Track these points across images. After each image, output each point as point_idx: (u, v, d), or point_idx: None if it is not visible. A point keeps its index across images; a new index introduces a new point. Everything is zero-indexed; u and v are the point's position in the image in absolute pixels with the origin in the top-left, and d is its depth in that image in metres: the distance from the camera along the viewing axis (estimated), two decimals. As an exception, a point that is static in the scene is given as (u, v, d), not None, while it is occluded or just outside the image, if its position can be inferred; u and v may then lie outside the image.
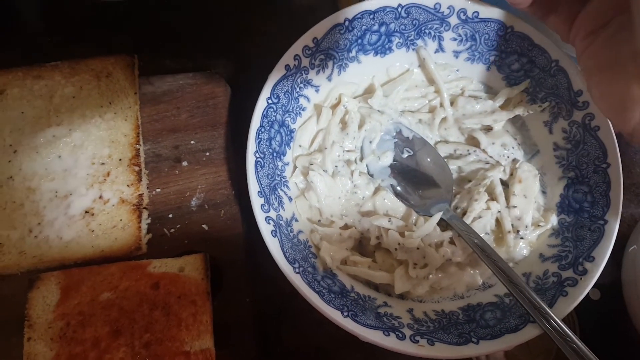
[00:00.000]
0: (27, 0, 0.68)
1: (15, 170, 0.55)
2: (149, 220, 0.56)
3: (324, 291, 0.49)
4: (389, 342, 0.47)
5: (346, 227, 0.56)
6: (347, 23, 0.56)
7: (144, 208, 0.56)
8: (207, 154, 0.59)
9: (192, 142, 0.60)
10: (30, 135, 0.56)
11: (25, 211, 0.54)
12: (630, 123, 0.40)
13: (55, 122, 0.57)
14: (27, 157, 0.56)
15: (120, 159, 0.56)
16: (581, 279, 0.50)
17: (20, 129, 0.57)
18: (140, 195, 0.55)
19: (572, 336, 0.45)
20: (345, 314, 0.48)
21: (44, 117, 0.57)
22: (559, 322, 0.46)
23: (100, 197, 0.55)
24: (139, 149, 0.57)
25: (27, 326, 0.50)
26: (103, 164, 0.56)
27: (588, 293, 0.49)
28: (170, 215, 0.57)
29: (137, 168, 0.56)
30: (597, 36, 0.42)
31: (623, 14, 0.39)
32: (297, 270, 0.49)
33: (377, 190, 0.57)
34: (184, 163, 0.59)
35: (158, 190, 0.57)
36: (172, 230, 0.56)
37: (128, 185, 0.55)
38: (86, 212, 0.54)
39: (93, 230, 0.54)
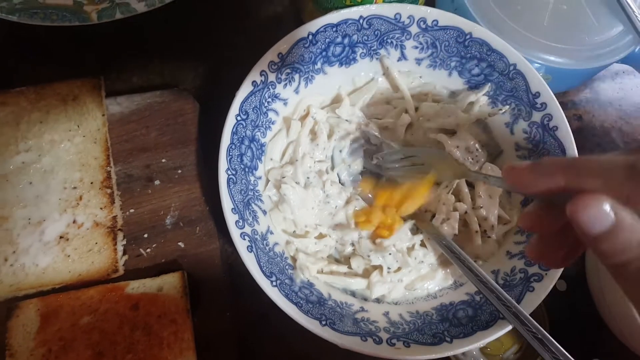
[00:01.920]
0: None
1: (-15, 200, 0.55)
2: (124, 242, 0.56)
3: (301, 302, 0.50)
4: (367, 347, 0.48)
5: (321, 236, 0.58)
6: (310, 37, 0.57)
7: (119, 230, 0.56)
8: (179, 171, 0.60)
9: (163, 160, 0.60)
10: (-2, 163, 0.56)
11: (-2, 240, 0.54)
12: None
13: (23, 149, 0.57)
14: (-3, 185, 0.55)
15: (91, 182, 0.56)
16: (546, 274, 0.52)
17: (-12, 157, 0.56)
18: (114, 218, 0.56)
19: (541, 330, 0.47)
20: (324, 322, 0.49)
21: (12, 144, 0.57)
22: (527, 316, 0.48)
23: (74, 221, 0.55)
24: (109, 170, 0.57)
25: (8, 355, 0.50)
26: (75, 188, 0.56)
27: (555, 285, 0.51)
28: (146, 235, 0.57)
29: (109, 190, 0.57)
30: None
31: None
32: (274, 283, 0.50)
33: (349, 199, 0.58)
34: (156, 182, 0.59)
35: (132, 210, 0.58)
36: (149, 250, 0.57)
37: (101, 208, 0.56)
38: (61, 237, 0.54)
39: (69, 255, 0.54)
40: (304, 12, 0.70)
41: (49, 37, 0.64)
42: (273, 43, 0.56)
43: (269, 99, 0.57)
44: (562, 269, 0.51)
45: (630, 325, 0.54)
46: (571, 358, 0.45)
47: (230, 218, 0.51)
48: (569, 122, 0.55)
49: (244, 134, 0.55)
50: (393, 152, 0.59)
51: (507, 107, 0.59)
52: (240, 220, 0.52)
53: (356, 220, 0.57)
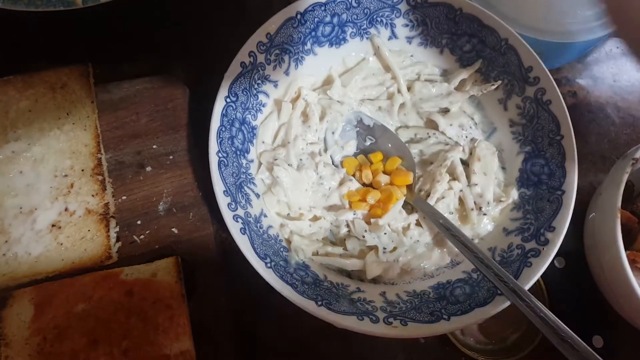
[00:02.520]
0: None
1: (-24, 190, 0.54)
2: (117, 229, 0.56)
3: (297, 283, 0.50)
4: (363, 325, 0.48)
5: (315, 218, 0.57)
6: (299, 16, 0.56)
7: (111, 217, 0.55)
8: (171, 157, 0.59)
9: (154, 146, 0.59)
10: (-12, 153, 0.55)
11: (-10, 230, 0.53)
12: None
13: (13, 138, 0.56)
14: (-13, 175, 0.55)
15: (82, 170, 0.56)
16: (543, 249, 0.51)
17: (-23, 148, 0.56)
18: (106, 205, 0.55)
19: (539, 305, 0.46)
20: (319, 302, 0.49)
21: (1, 134, 0.56)
22: (526, 292, 0.47)
23: (66, 209, 0.55)
24: (100, 158, 0.57)
25: (3, 345, 0.50)
26: (66, 176, 0.56)
27: (554, 261, 0.51)
28: (139, 222, 0.57)
29: (100, 177, 0.56)
30: None
31: None
32: (268, 265, 0.50)
33: (342, 180, 0.58)
34: (148, 168, 0.59)
35: (124, 197, 0.57)
36: (142, 236, 0.56)
37: (93, 196, 0.55)
38: (53, 225, 0.54)
39: (62, 243, 0.54)
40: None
41: (36, 26, 0.63)
42: (262, 24, 0.55)
43: (259, 81, 0.57)
44: (559, 244, 0.51)
45: (631, 300, 0.53)
46: (571, 332, 0.44)
47: (223, 200, 0.51)
48: (563, 98, 0.55)
49: (234, 116, 0.55)
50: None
51: (499, 82, 0.58)
52: (233, 203, 0.51)
53: (350, 200, 0.56)
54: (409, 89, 0.62)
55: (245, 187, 0.54)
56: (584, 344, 0.43)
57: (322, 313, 0.48)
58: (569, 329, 0.45)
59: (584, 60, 0.73)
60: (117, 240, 0.56)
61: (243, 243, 0.50)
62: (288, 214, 0.57)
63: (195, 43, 0.69)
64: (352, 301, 0.51)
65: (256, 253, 0.50)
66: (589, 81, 0.72)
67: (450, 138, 0.60)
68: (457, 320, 0.49)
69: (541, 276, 0.51)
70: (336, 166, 0.60)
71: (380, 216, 0.55)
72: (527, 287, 0.49)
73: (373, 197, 0.56)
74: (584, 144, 0.68)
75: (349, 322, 0.48)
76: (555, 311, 0.46)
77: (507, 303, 0.49)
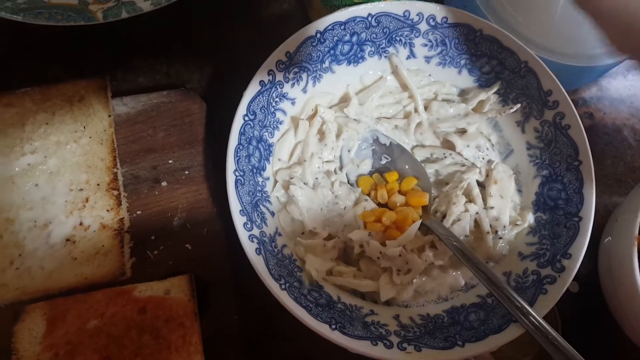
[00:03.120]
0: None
1: (-9, 202, 0.54)
2: (131, 244, 0.56)
3: (311, 305, 0.50)
4: (377, 351, 0.48)
5: (330, 237, 0.57)
6: (318, 35, 0.56)
7: (126, 232, 0.55)
8: (186, 172, 0.59)
9: (170, 161, 0.59)
10: (4, 165, 0.55)
11: (4, 243, 0.53)
12: None
13: (29, 150, 0.56)
14: (2, 187, 0.55)
15: (98, 184, 0.56)
16: (559, 276, 0.51)
17: (-7, 159, 0.56)
18: (121, 220, 0.55)
19: (554, 334, 0.46)
20: (334, 326, 0.49)
21: (18, 146, 0.56)
22: (540, 320, 0.47)
23: (81, 223, 0.55)
24: (116, 172, 0.57)
25: (14, 360, 0.50)
26: (81, 190, 0.56)
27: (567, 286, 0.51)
28: (153, 237, 0.57)
29: (115, 192, 0.56)
30: None
31: None
32: (283, 287, 0.49)
33: (357, 200, 0.57)
34: (164, 183, 0.59)
35: (139, 212, 0.57)
36: (156, 252, 0.56)
37: (108, 210, 0.55)
38: (67, 240, 0.54)
39: (75, 258, 0.53)
40: (310, 9, 0.69)
41: (54, 38, 0.63)
42: (280, 41, 0.55)
43: (277, 99, 0.57)
44: (575, 271, 0.51)
45: (645, 327, 0.53)
46: (585, 361, 0.44)
47: (239, 220, 0.51)
48: (580, 119, 0.54)
49: (251, 135, 0.54)
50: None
51: (518, 105, 0.58)
52: (249, 222, 0.51)
53: (365, 221, 0.56)
54: (426, 108, 0.61)
55: (260, 206, 0.54)
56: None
57: (336, 337, 0.48)
58: (583, 358, 0.44)
59: (601, 80, 0.73)
60: (131, 255, 0.56)
61: (258, 264, 0.49)
62: (302, 233, 0.57)
63: (212, 57, 0.69)
64: (365, 324, 0.51)
65: (271, 274, 0.50)
66: (605, 103, 0.72)
67: (466, 159, 0.59)
68: (471, 347, 0.49)
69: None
70: (352, 185, 0.59)
71: (396, 238, 0.54)
72: (542, 315, 0.49)
73: (389, 218, 0.55)
74: (599, 166, 0.68)
75: (363, 348, 0.48)
76: (568, 337, 0.46)
77: (522, 331, 0.49)
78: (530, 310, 0.48)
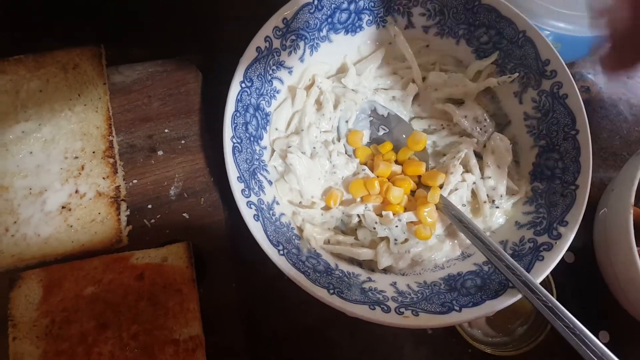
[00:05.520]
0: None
1: (-15, 170, 0.54)
2: (127, 212, 0.55)
3: (309, 271, 0.50)
4: (375, 315, 0.48)
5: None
6: (316, 2, 0.56)
7: (122, 200, 0.55)
8: (183, 142, 0.59)
9: (166, 130, 0.59)
10: (-2, 133, 0.55)
11: (-1, 210, 0.53)
12: None
13: (23, 118, 0.56)
14: (-4, 155, 0.54)
15: (93, 152, 0.55)
16: (556, 243, 0.51)
17: (-14, 127, 0.55)
18: (117, 188, 0.55)
19: (551, 298, 0.46)
20: (332, 291, 0.49)
21: (11, 113, 0.55)
22: (537, 285, 0.47)
23: (76, 191, 0.54)
24: (112, 140, 0.56)
25: (11, 326, 0.50)
26: (76, 157, 0.55)
27: (563, 257, 0.51)
28: (150, 206, 0.56)
29: (111, 160, 0.55)
30: None
31: None
32: (281, 252, 0.49)
33: (356, 171, 0.57)
34: (160, 152, 0.58)
35: (135, 181, 0.57)
36: (153, 220, 0.56)
37: (104, 178, 0.55)
38: (63, 207, 0.53)
39: (71, 226, 0.53)
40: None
41: (48, 6, 0.62)
42: (272, 12, 0.55)
43: (274, 67, 0.56)
44: (571, 238, 0.51)
45: (640, 297, 0.54)
46: (581, 325, 0.44)
47: (236, 186, 0.50)
48: (576, 93, 0.54)
49: (248, 102, 0.54)
50: None
51: (516, 75, 0.58)
52: (246, 189, 0.51)
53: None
54: (423, 79, 0.61)
55: (258, 174, 0.54)
56: (594, 337, 0.43)
57: (334, 301, 0.48)
58: (579, 323, 0.45)
59: (598, 55, 0.73)
60: (128, 223, 0.55)
61: (256, 229, 0.49)
62: (300, 202, 0.57)
63: (208, 27, 0.68)
64: (363, 290, 0.51)
65: (269, 240, 0.50)
66: (602, 77, 0.72)
67: (464, 130, 0.59)
68: (468, 311, 0.49)
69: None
70: (350, 155, 0.59)
71: (399, 213, 0.54)
72: (538, 281, 0.49)
73: (395, 197, 0.55)
74: (595, 140, 0.67)
75: (361, 311, 0.48)
76: (562, 303, 0.46)
77: (519, 296, 0.49)
78: (527, 275, 0.48)
